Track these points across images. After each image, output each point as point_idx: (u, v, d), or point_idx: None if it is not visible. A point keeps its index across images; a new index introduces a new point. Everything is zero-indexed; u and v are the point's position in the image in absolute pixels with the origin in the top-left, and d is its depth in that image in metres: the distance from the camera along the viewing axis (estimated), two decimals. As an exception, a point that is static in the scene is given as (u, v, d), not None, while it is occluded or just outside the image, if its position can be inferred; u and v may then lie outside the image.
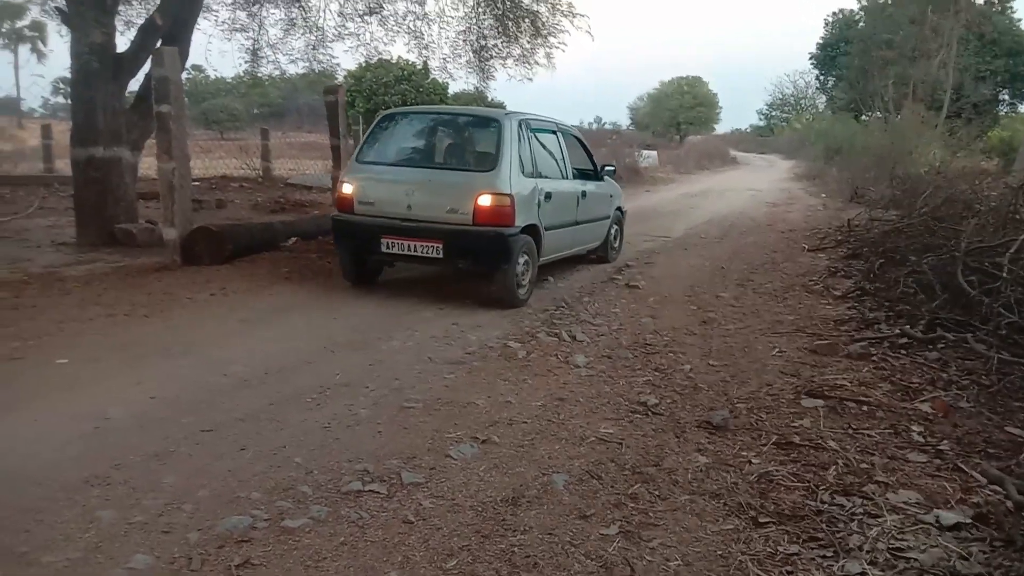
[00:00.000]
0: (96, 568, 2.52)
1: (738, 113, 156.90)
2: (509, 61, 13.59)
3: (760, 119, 68.98)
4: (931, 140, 21.96)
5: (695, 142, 49.31)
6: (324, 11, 12.71)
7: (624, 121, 65.73)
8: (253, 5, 12.25)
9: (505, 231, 6.15)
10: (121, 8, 9.93)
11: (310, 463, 3.37)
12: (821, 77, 47.95)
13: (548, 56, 13.27)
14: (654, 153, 30.76)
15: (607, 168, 8.67)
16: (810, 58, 47.07)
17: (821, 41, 45.25)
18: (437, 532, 2.85)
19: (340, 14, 12.76)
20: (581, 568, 2.65)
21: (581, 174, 8.13)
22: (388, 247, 6.33)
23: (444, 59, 13.79)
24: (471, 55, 13.64)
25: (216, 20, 11.96)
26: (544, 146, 7.18)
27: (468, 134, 7.10)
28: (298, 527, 2.83)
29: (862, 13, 39.65)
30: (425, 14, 13.19)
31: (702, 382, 4.67)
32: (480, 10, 13.07)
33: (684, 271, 8.43)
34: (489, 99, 27.63)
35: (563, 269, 8.32)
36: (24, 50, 52.85)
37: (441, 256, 6.19)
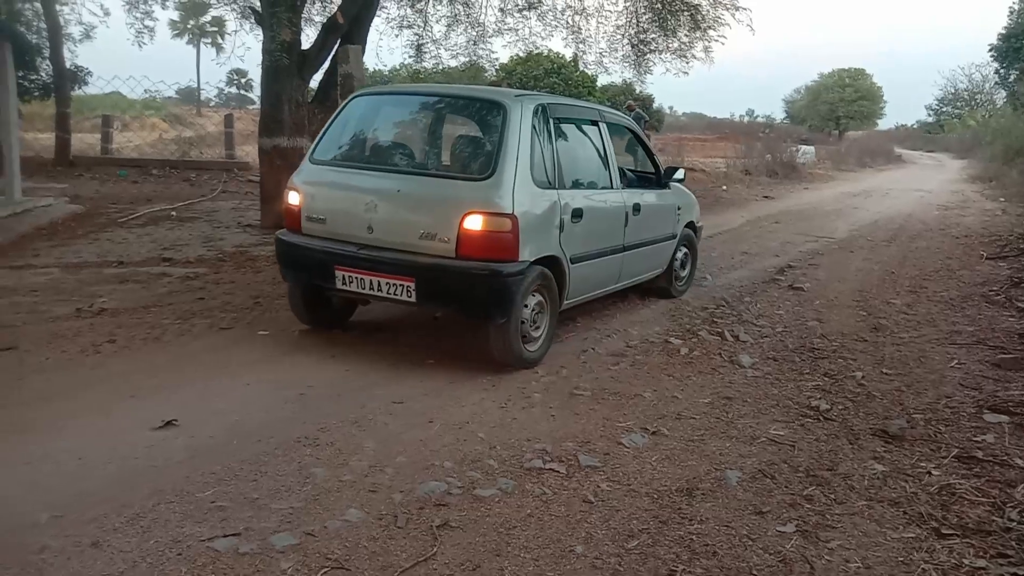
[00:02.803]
0: (317, 517, 2.85)
1: (903, 108, 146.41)
2: (666, 55, 13.58)
3: (929, 115, 64.39)
4: None
5: (856, 137, 46.82)
6: (485, 7, 13.17)
7: (779, 114, 63.26)
8: (420, 1, 12.85)
9: (503, 268, 4.35)
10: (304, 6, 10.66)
11: (492, 439, 3.61)
12: (1001, 70, 44.15)
13: (706, 50, 13.16)
14: (812, 148, 29.53)
15: (673, 171, 6.54)
16: (990, 49, 43.43)
17: (1004, 31, 41.66)
18: (616, 514, 3.00)
19: (500, 10, 13.21)
20: (760, 561, 2.72)
21: (639, 180, 6.42)
22: (344, 282, 4.63)
23: (600, 53, 13.96)
24: (628, 49, 13.71)
25: (387, 17, 12.66)
26: (576, 143, 5.42)
27: (461, 125, 5.47)
28: (488, 496, 3.06)
29: (1054, 0, 36.21)
30: (583, 8, 13.40)
31: (875, 390, 4.55)
32: (639, 4, 13.09)
33: (851, 274, 8.13)
34: (637, 91, 27.51)
35: (720, 267, 8.24)
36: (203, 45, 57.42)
37: (413, 299, 4.48)
